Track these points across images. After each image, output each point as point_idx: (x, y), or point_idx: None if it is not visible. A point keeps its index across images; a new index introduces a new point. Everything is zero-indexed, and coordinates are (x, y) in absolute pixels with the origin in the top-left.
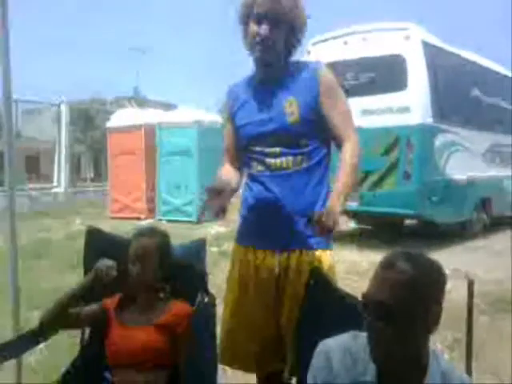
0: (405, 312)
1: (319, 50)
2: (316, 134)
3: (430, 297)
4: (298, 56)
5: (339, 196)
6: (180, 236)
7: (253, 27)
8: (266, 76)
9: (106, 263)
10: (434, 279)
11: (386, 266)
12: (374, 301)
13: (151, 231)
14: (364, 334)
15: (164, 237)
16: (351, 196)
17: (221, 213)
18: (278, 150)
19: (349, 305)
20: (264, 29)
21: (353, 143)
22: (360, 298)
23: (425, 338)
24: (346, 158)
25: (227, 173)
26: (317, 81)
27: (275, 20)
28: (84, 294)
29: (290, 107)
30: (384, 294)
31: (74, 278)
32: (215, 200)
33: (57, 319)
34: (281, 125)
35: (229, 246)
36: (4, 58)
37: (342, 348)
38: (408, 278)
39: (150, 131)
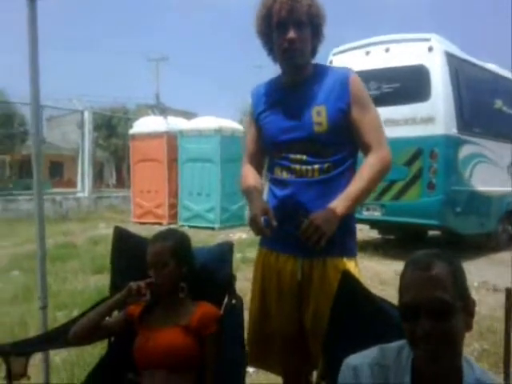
0: (455, 305)
1: (341, 60)
2: (344, 143)
3: (466, 288)
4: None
5: (345, 199)
6: (201, 242)
7: (278, 37)
8: (295, 81)
9: (144, 283)
10: (463, 271)
11: (424, 267)
12: (425, 300)
13: (165, 235)
14: (392, 346)
15: (181, 239)
16: (363, 204)
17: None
18: (304, 157)
19: (381, 309)
20: (290, 33)
21: (379, 155)
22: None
23: (463, 339)
24: (366, 166)
25: (254, 180)
26: (347, 89)
27: (297, 21)
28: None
29: (319, 116)
30: (435, 291)
31: (98, 280)
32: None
33: (86, 338)
34: (308, 134)
35: (251, 252)
36: (33, 66)
37: (369, 363)
38: (450, 272)
39: (172, 138)
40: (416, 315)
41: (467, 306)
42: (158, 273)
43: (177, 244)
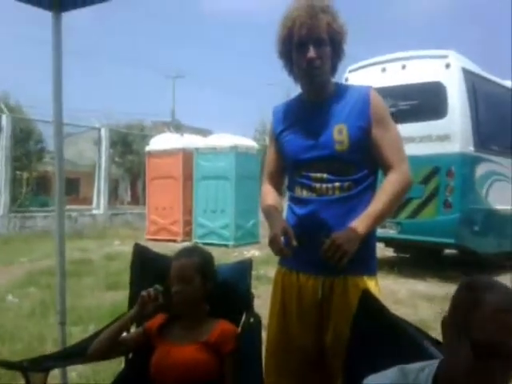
0: None
1: (357, 77)
2: (364, 161)
3: None
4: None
5: (367, 218)
6: (216, 259)
7: (298, 57)
8: (316, 99)
9: (152, 289)
10: None
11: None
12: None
13: (191, 251)
14: (412, 368)
15: (205, 256)
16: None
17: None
18: (324, 176)
19: (401, 329)
20: (310, 51)
21: (400, 173)
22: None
23: None
24: (387, 185)
25: (274, 199)
26: (368, 107)
27: (317, 40)
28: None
29: (340, 135)
30: None
31: (113, 296)
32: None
33: (104, 354)
34: (329, 152)
35: (265, 270)
36: (56, 87)
37: None
38: None
39: (188, 156)
40: (492, 356)
41: None
42: (183, 287)
43: (202, 260)
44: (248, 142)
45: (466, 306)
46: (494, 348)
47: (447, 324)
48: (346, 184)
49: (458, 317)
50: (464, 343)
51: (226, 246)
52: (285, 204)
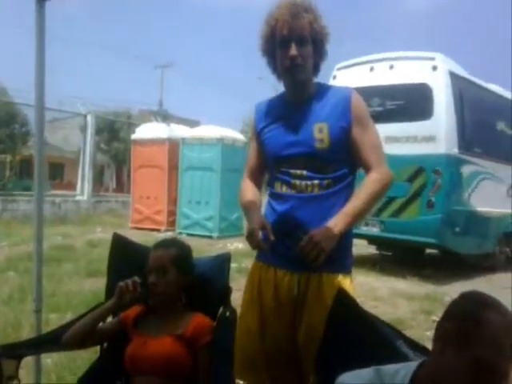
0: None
1: (345, 75)
2: (344, 160)
3: None
4: (324, 80)
5: (345, 216)
6: (199, 251)
7: (280, 55)
8: (298, 98)
9: (130, 281)
10: None
11: (472, 324)
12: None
13: (169, 243)
14: (388, 369)
15: (183, 249)
16: (363, 221)
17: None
18: (304, 173)
19: (375, 328)
20: (292, 49)
21: (379, 173)
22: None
23: None
24: (366, 184)
25: (253, 195)
26: (349, 108)
27: (299, 38)
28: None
29: (320, 133)
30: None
31: (92, 284)
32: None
33: (79, 343)
34: (309, 150)
35: (247, 263)
36: (39, 68)
37: None
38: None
39: (174, 146)
40: (491, 373)
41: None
42: (158, 279)
43: (179, 253)
44: (235, 135)
45: (472, 321)
46: (495, 367)
47: (444, 331)
48: (325, 182)
49: (461, 329)
50: (464, 355)
51: (209, 237)
52: (264, 200)
